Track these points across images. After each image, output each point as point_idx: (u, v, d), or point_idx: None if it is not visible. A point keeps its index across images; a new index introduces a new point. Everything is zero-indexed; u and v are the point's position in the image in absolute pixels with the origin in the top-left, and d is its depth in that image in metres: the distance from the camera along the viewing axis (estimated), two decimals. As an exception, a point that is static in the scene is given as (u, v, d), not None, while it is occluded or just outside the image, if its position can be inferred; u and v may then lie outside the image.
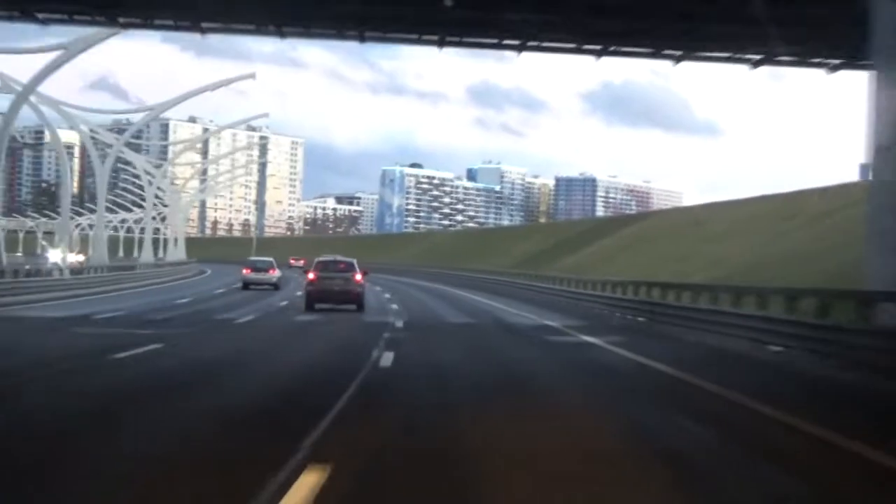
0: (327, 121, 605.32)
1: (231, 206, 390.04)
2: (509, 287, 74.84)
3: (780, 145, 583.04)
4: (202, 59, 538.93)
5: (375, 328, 36.33)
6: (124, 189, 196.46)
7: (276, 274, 75.94)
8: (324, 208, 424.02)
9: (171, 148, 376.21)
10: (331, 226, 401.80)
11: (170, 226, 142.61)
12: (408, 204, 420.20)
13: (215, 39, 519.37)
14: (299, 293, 55.71)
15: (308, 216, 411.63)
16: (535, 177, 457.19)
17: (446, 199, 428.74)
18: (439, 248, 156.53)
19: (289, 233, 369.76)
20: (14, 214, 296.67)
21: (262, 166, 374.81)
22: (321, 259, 51.38)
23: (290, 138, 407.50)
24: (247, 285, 73.60)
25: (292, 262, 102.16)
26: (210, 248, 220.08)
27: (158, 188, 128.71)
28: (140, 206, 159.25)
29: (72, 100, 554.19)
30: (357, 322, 39.72)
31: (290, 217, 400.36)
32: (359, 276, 49.51)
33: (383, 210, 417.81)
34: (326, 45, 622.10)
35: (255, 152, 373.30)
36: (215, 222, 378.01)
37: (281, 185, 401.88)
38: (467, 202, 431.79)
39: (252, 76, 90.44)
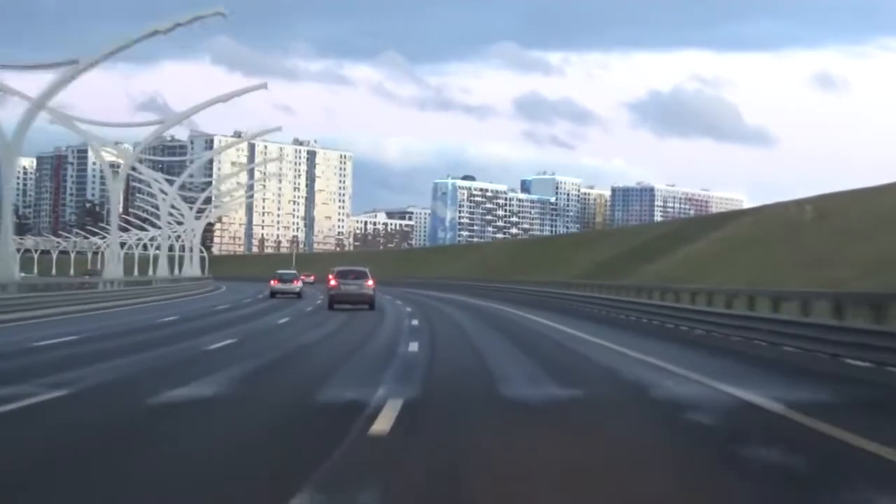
0: (375, 137, 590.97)
1: (279, 222, 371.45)
2: (584, 305, 54.56)
3: (830, 149, 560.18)
4: (249, 78, 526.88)
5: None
6: (140, 206, 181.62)
7: (298, 285, 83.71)
8: (374, 223, 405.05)
9: (215, 165, 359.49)
10: (381, 241, 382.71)
11: (185, 243, 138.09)
12: (460, 217, 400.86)
13: (262, 59, 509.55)
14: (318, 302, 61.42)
15: (358, 231, 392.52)
16: (591, 187, 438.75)
17: (500, 212, 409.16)
18: (492, 259, 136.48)
19: (338, 249, 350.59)
20: (61, 233, 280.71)
21: (278, 178, 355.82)
22: (340, 269, 60.56)
23: (339, 152, 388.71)
24: (274, 294, 79.86)
25: (303, 277, 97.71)
26: (243, 264, 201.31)
27: (173, 206, 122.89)
28: (154, 225, 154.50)
29: (122, 120, 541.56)
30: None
31: (339, 233, 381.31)
32: (370, 282, 58.02)
33: (435, 224, 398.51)
34: (372, 62, 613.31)
35: (266, 166, 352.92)
36: (262, 240, 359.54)
37: (330, 201, 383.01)
38: (521, 214, 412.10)
39: (264, 86, 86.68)
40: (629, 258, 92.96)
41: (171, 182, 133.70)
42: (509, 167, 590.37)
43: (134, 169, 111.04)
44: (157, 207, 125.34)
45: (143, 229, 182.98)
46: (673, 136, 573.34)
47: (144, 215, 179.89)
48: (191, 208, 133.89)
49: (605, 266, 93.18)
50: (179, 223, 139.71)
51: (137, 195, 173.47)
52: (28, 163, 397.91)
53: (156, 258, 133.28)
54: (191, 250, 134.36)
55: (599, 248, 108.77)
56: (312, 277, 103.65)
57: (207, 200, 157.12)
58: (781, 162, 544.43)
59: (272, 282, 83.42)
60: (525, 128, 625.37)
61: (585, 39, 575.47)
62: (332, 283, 57.72)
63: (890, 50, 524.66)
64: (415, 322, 43.02)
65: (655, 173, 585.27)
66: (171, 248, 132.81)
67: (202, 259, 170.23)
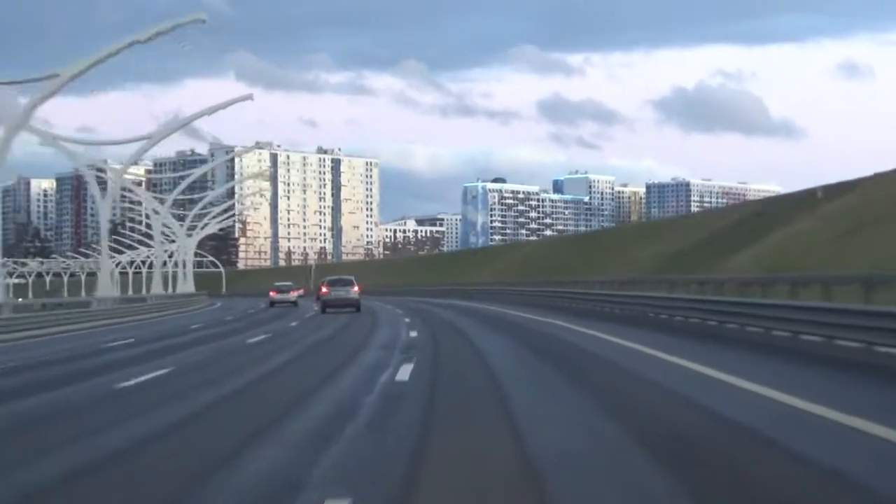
0: (401, 146, 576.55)
1: (305, 234, 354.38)
2: (670, 312, 36.63)
3: (858, 137, 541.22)
4: (271, 92, 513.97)
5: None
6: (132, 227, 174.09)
7: (294, 295, 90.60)
8: (404, 231, 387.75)
9: (237, 177, 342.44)
10: (412, 248, 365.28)
11: (183, 259, 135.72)
12: (492, 221, 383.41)
13: (282, 73, 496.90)
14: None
15: (387, 240, 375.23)
16: (624, 185, 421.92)
17: (533, 214, 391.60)
18: (532, 260, 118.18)
19: (367, 258, 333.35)
20: (85, 253, 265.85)
21: (274, 186, 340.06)
22: (330, 278, 69.09)
23: (364, 160, 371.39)
24: (273, 304, 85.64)
25: (292, 292, 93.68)
26: (261, 279, 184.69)
27: (164, 225, 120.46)
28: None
29: (159, 150, 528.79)
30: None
31: (368, 242, 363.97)
32: (356, 289, 65.05)
33: (466, 229, 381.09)
34: (393, 71, 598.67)
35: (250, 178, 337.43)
36: (289, 252, 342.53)
37: (357, 210, 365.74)
38: (555, 215, 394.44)
39: (250, 97, 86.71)
40: (703, 249, 75.28)
41: (191, 200, 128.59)
42: (537, 171, 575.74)
43: (128, 189, 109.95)
44: (150, 227, 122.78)
45: (145, 246, 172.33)
46: (700, 132, 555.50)
47: (147, 231, 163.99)
48: (181, 225, 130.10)
49: (674, 260, 75.43)
50: (173, 241, 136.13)
51: (129, 214, 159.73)
52: (48, 185, 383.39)
53: (166, 275, 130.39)
54: (184, 267, 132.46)
55: (661, 239, 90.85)
56: (302, 291, 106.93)
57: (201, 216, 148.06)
58: (810, 152, 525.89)
59: (271, 293, 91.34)
60: (550, 130, 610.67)
61: (606, 39, 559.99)
62: (324, 290, 65.60)
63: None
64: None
65: (686, 170, 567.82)
66: (165, 265, 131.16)
67: (200, 274, 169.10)
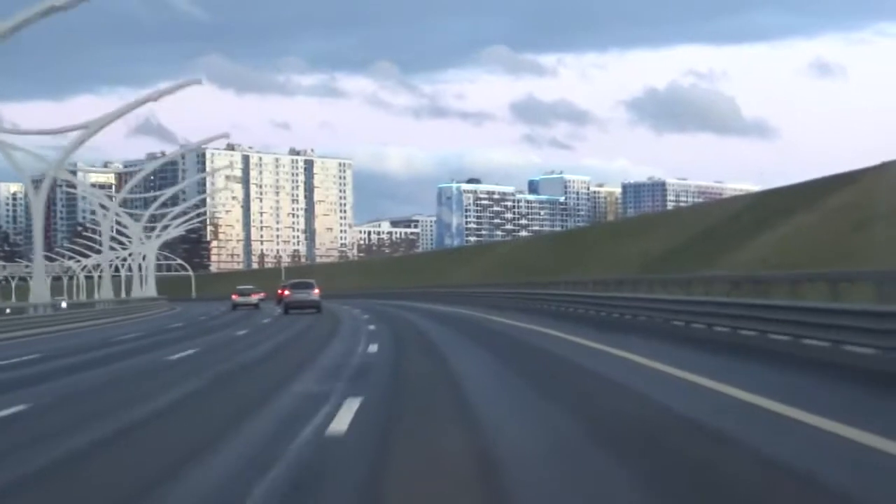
0: (374, 148, 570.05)
1: (279, 236, 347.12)
2: (682, 317, 30.34)
3: (831, 136, 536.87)
4: (243, 95, 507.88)
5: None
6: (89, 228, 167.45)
7: (255, 298, 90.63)
8: (378, 233, 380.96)
9: (208, 179, 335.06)
10: (387, 251, 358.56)
11: (140, 263, 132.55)
12: (467, 223, 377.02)
13: (254, 76, 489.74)
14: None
15: (362, 242, 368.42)
16: (600, 185, 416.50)
17: (508, 215, 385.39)
18: (510, 260, 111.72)
19: (341, 260, 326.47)
20: (54, 258, 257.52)
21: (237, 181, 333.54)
22: (292, 281, 73.20)
23: (338, 160, 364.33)
24: (235, 307, 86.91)
25: (254, 295, 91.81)
26: (232, 282, 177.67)
27: (118, 224, 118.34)
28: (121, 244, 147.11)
29: (118, 145, 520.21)
30: None
31: (342, 244, 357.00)
32: (316, 291, 67.64)
33: (441, 230, 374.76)
34: (365, 73, 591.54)
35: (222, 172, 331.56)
36: (262, 255, 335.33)
37: (331, 212, 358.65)
38: (531, 216, 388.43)
39: (199, 82, 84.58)
40: (698, 246, 69.14)
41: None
42: (512, 172, 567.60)
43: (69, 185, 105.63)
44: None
45: (113, 249, 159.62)
46: (672, 132, 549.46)
47: (114, 235, 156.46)
48: (145, 227, 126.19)
49: (667, 259, 69.19)
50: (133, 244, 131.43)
51: (94, 217, 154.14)
52: (19, 187, 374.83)
53: (128, 279, 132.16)
54: (139, 270, 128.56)
55: (650, 237, 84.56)
56: (263, 294, 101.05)
57: (156, 218, 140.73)
58: (783, 151, 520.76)
59: (233, 296, 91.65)
60: (524, 131, 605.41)
61: (580, 40, 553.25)
62: (286, 293, 68.06)
63: (888, 35, 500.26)
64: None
65: (659, 170, 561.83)
66: (118, 270, 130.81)
67: (168, 278, 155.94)
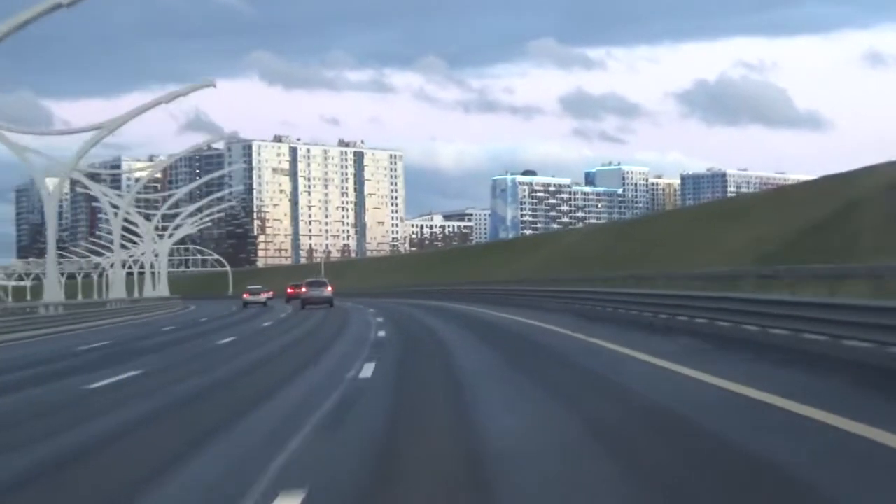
0: (424, 143, 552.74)
1: (327, 231, 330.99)
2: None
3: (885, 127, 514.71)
4: (291, 91, 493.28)
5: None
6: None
7: (265, 296, 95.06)
8: (431, 227, 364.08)
9: (255, 173, 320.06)
10: (439, 244, 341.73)
11: (153, 262, 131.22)
12: (522, 215, 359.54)
13: (302, 71, 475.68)
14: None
15: (413, 236, 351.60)
16: (658, 176, 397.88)
17: (564, 207, 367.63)
18: (579, 251, 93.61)
19: (393, 255, 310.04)
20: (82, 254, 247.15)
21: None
22: (309, 280, 78.46)
23: (389, 152, 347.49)
24: (245, 304, 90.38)
25: (263, 294, 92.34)
26: (272, 277, 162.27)
27: (127, 221, 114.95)
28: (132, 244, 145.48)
29: (168, 139, 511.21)
30: None
31: (393, 238, 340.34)
32: (329, 288, 73.41)
33: (496, 223, 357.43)
34: (413, 68, 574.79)
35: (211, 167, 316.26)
36: (311, 250, 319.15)
37: (381, 205, 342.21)
38: (587, 208, 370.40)
39: (212, 84, 79.92)
40: (829, 231, 51.59)
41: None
42: (564, 166, 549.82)
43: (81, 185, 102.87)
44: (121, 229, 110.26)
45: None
46: (723, 125, 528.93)
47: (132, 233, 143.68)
48: (156, 228, 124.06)
49: (796, 246, 51.65)
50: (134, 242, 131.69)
51: (100, 215, 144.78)
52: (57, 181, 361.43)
53: (141, 278, 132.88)
54: (150, 269, 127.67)
55: (749, 223, 66.74)
56: (272, 293, 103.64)
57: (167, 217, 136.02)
58: (836, 142, 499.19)
59: (244, 295, 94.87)
60: (573, 125, 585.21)
61: (630, 33, 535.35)
62: (304, 290, 74.89)
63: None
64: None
65: (712, 163, 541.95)
66: (142, 268, 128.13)
67: (204, 274, 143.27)
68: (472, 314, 49.81)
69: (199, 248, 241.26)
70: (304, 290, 74.20)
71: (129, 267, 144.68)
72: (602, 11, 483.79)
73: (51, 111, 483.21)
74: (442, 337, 31.90)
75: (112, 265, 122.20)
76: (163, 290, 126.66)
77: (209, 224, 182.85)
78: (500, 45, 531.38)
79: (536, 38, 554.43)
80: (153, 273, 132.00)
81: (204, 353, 29.33)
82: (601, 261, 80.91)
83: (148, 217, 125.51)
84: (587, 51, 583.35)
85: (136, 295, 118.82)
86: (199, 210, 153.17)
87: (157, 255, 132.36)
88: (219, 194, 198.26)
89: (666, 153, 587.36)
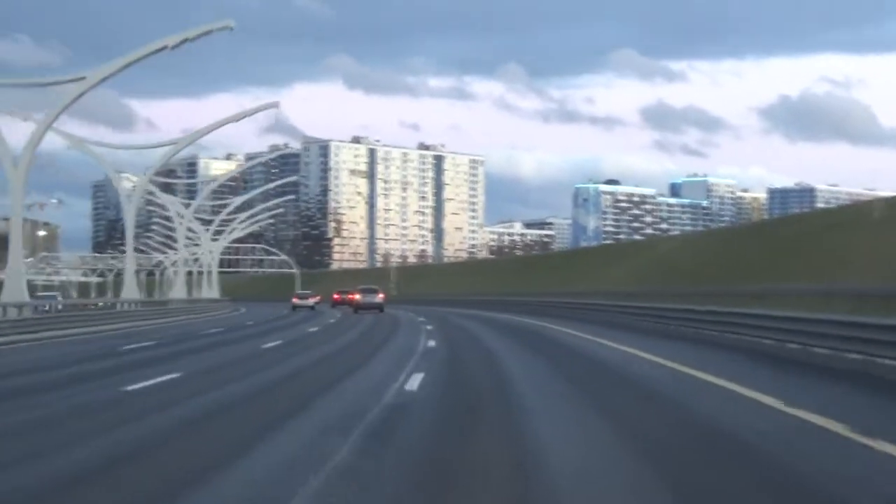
0: (504, 151, 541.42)
1: (405, 235, 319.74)
2: None
3: None
4: (371, 95, 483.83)
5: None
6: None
7: (312, 301, 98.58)
8: (510, 234, 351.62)
9: (332, 174, 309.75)
10: (519, 253, 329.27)
11: (204, 264, 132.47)
12: (605, 225, 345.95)
13: (383, 76, 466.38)
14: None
15: (492, 243, 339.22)
16: (745, 190, 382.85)
17: (648, 218, 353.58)
18: (678, 261, 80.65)
19: (469, 260, 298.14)
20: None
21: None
22: (361, 287, 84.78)
23: (469, 157, 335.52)
24: (294, 308, 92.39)
25: (310, 299, 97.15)
26: (340, 281, 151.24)
27: (189, 229, 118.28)
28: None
29: (248, 139, 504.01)
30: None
31: (472, 245, 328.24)
32: (381, 295, 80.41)
33: (577, 233, 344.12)
34: (493, 76, 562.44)
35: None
36: (386, 254, 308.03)
37: (460, 210, 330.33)
38: (672, 220, 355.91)
39: (276, 105, 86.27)
40: None
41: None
42: (646, 179, 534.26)
43: (150, 193, 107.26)
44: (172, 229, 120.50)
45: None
46: (806, 141, 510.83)
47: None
48: (207, 230, 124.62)
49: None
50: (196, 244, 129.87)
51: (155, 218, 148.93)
52: (138, 180, 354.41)
53: (197, 279, 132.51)
54: (209, 272, 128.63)
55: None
56: (319, 297, 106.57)
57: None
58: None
59: (294, 299, 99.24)
60: (654, 137, 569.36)
61: (716, 46, 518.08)
62: (357, 297, 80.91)
63: None
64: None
65: (797, 178, 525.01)
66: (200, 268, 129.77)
67: (270, 276, 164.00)
68: (552, 335, 37.86)
69: (268, 248, 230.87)
70: (357, 296, 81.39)
71: (189, 266, 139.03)
72: (687, 24, 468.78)
73: (133, 110, 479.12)
74: (518, 387, 19.81)
75: (174, 263, 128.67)
76: (213, 291, 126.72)
77: (257, 227, 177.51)
78: (582, 55, 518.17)
79: (618, 49, 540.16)
80: (208, 273, 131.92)
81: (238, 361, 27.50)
82: (702, 273, 68.33)
83: (208, 222, 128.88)
84: (669, 63, 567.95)
85: (192, 295, 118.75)
86: (254, 215, 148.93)
87: (210, 253, 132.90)
88: (286, 198, 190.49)
89: (748, 168, 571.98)
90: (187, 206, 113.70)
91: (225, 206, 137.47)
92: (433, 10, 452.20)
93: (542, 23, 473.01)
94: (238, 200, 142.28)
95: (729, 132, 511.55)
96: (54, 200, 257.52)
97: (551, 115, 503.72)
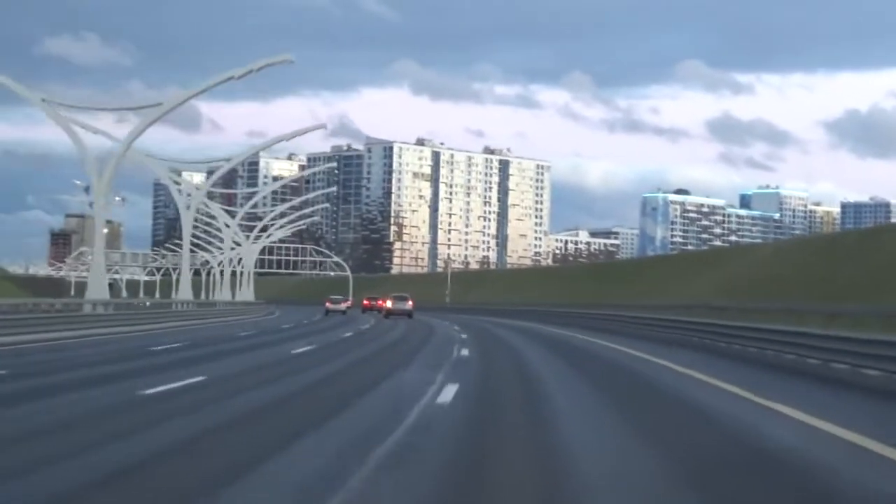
0: (568, 159, 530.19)
1: (467, 241, 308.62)
2: None
3: None
4: (436, 101, 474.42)
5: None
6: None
7: (345, 305, 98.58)
8: (576, 242, 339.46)
9: (394, 176, 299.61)
10: (584, 262, 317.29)
11: (245, 267, 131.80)
12: (673, 235, 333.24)
13: (449, 82, 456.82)
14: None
15: (557, 251, 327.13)
16: (817, 203, 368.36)
17: (717, 230, 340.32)
18: (771, 272, 68.31)
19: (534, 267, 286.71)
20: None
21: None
22: (393, 295, 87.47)
23: (535, 162, 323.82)
24: (327, 312, 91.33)
25: (343, 304, 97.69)
26: (391, 286, 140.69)
27: (235, 234, 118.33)
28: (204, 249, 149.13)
29: (312, 142, 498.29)
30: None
31: (536, 252, 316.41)
32: (410, 303, 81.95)
33: (644, 243, 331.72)
34: (559, 84, 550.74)
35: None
36: (448, 259, 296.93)
37: (525, 217, 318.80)
38: (741, 232, 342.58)
39: (323, 126, 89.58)
40: None
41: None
42: (713, 190, 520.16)
43: (204, 204, 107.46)
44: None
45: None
46: (875, 157, 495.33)
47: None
48: (247, 237, 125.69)
49: None
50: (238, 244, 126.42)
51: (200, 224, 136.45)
52: (200, 179, 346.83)
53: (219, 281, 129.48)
54: (248, 274, 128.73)
55: None
56: (350, 302, 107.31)
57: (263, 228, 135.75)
58: None
59: (327, 304, 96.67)
60: (719, 150, 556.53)
61: (786, 59, 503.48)
62: (389, 303, 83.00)
63: None
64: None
65: (866, 193, 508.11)
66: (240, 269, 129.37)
67: (322, 279, 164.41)
68: (630, 368, 26.53)
69: (321, 249, 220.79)
70: (389, 303, 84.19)
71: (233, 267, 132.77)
72: (758, 36, 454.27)
73: (200, 111, 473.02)
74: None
75: (220, 263, 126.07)
76: (249, 294, 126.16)
77: (290, 233, 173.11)
78: (648, 65, 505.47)
79: (685, 60, 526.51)
80: (247, 274, 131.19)
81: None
82: (806, 286, 56.73)
83: (249, 228, 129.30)
84: (736, 75, 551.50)
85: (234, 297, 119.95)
86: (284, 214, 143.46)
87: (240, 257, 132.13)
88: (321, 205, 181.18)
89: (816, 182, 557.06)
90: (242, 204, 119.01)
91: (266, 212, 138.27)
92: (501, 18, 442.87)
93: (609, 32, 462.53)
94: (278, 210, 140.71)
95: (795, 146, 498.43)
96: (118, 198, 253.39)
97: (616, 124, 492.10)
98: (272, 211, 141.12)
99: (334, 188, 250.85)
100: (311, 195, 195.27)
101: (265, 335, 43.82)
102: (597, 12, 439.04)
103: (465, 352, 31.41)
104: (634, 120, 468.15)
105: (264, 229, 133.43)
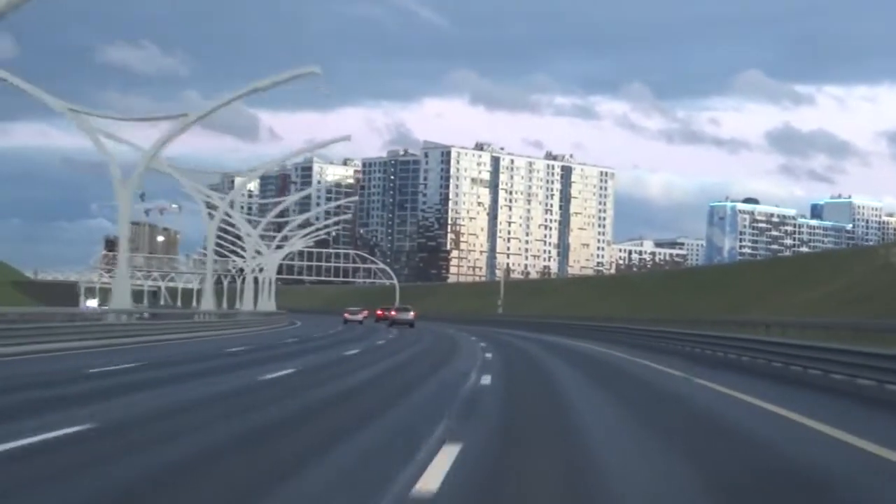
0: (627, 171, 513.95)
1: (527, 250, 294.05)
2: None
3: None
4: (493, 111, 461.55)
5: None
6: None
7: (361, 316, 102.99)
8: (640, 253, 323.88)
9: (452, 182, 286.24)
10: (658, 269, 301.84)
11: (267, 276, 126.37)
12: (741, 246, 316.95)
13: (506, 92, 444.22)
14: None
15: (620, 261, 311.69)
16: (890, 214, 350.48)
17: (787, 241, 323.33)
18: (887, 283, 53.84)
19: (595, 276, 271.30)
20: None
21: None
22: (397, 306, 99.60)
23: (599, 169, 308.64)
24: (345, 322, 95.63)
25: (360, 314, 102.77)
26: (444, 297, 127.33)
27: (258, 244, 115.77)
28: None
29: (369, 148, 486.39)
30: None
31: (598, 262, 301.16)
32: (412, 313, 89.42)
33: (711, 253, 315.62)
34: (618, 95, 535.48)
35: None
36: (507, 269, 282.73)
37: (587, 225, 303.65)
38: (812, 243, 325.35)
39: (347, 139, 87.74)
40: None
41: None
42: (777, 201, 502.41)
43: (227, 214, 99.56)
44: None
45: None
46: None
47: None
48: (268, 246, 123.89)
49: None
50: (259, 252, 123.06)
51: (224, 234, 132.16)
52: (253, 184, 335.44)
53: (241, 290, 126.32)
54: (270, 282, 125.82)
55: None
56: (366, 312, 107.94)
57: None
58: None
59: (345, 314, 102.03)
60: (781, 161, 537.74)
61: (848, 69, 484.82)
62: (393, 313, 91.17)
63: None
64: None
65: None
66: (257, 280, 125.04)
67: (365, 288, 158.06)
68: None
69: (365, 255, 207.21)
70: (394, 313, 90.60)
71: (259, 273, 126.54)
72: (821, 47, 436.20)
73: (259, 120, 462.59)
74: None
75: (252, 270, 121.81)
76: (270, 303, 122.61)
77: (311, 243, 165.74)
78: (708, 76, 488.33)
79: (744, 71, 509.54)
80: (268, 283, 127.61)
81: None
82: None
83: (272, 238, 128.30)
84: (796, 86, 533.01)
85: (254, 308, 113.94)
86: (309, 222, 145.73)
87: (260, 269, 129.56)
88: (342, 216, 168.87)
89: (880, 195, 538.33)
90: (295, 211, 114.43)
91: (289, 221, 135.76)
92: (558, 29, 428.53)
93: (668, 43, 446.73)
94: (299, 219, 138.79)
95: (857, 158, 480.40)
96: (175, 206, 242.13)
97: (675, 135, 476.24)
98: (319, 219, 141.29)
99: (349, 214, 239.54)
100: (323, 206, 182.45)
101: (253, 353, 36.59)
102: (655, 24, 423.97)
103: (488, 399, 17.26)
104: (694, 131, 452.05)
105: (285, 238, 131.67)
